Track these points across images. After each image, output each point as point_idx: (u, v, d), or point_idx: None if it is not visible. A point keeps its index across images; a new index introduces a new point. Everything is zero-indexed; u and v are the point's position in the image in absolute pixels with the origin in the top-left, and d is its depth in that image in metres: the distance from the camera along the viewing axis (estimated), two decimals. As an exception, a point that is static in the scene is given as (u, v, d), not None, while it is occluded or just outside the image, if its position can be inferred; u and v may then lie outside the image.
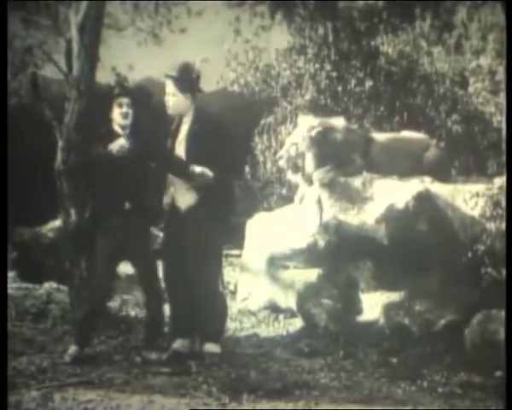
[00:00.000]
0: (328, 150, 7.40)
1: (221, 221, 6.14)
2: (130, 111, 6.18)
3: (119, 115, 6.17)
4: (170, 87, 6.20)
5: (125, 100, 6.18)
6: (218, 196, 6.09)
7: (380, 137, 7.86)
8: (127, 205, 6.08)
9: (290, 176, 7.72)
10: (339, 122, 7.64)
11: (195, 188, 6.07)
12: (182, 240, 6.06)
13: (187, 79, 6.20)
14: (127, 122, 6.18)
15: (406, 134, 8.10)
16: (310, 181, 7.44)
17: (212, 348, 6.06)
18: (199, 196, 6.08)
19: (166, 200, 6.26)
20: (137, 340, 6.36)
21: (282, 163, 7.64)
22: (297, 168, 7.55)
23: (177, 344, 6.07)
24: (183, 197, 6.14)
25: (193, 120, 6.20)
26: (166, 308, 6.30)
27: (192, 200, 6.10)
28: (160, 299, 6.20)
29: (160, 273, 6.25)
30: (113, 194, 6.08)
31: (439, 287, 6.66)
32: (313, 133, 7.38)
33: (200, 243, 6.01)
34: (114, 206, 6.08)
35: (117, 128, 6.19)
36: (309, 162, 7.44)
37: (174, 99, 6.19)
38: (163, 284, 6.26)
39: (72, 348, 5.98)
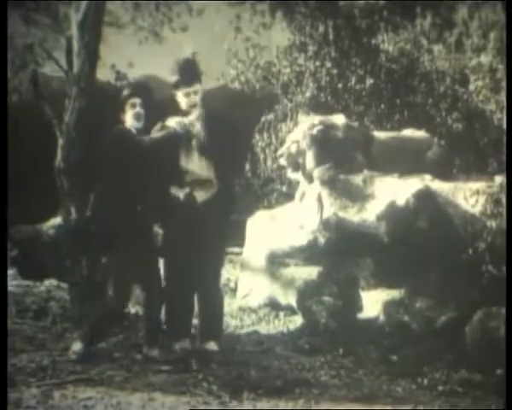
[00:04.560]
0: (328, 148, 7.39)
1: (227, 219, 6.09)
2: (143, 112, 5.96)
3: (133, 117, 5.94)
4: (177, 84, 6.01)
5: (137, 100, 5.96)
6: (226, 193, 6.04)
7: (380, 134, 7.87)
8: (139, 207, 5.90)
9: (290, 174, 7.71)
10: (339, 120, 7.65)
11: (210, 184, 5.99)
12: (188, 236, 5.95)
13: (192, 70, 6.09)
14: (141, 123, 5.96)
15: (407, 132, 8.11)
16: (310, 179, 7.43)
17: (212, 346, 6.03)
18: (213, 192, 6.00)
19: (184, 190, 6.02)
20: (138, 337, 6.34)
21: (282, 161, 7.63)
22: (297, 166, 7.54)
23: (179, 344, 6.03)
24: (200, 191, 6.01)
25: (204, 114, 6.07)
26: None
27: (207, 195, 6.00)
28: (160, 298, 6.14)
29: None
30: (126, 193, 5.88)
31: (440, 284, 6.66)
32: (314, 131, 7.38)
33: (208, 240, 5.94)
34: (126, 206, 5.89)
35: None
36: (309, 160, 7.43)
37: (187, 97, 6.02)
38: (163, 282, 6.23)
39: (77, 346, 5.83)
